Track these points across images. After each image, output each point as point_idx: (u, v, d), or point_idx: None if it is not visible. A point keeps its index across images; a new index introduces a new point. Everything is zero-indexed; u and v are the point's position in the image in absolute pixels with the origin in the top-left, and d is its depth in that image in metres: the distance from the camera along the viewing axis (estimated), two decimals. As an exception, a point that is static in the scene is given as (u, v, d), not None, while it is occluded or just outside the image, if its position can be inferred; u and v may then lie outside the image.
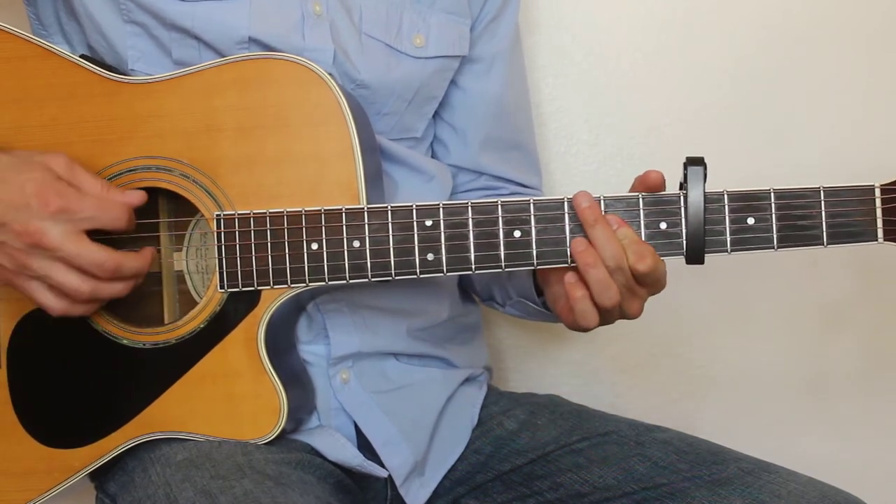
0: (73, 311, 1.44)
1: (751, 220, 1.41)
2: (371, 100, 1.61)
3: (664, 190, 1.44)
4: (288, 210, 1.46)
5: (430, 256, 1.46)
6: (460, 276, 1.79)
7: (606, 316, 1.46)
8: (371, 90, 1.61)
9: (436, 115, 1.76)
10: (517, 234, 1.44)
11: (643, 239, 1.43)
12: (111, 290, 1.43)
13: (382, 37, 1.63)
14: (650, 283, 1.44)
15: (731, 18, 2.10)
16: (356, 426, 1.60)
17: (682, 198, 1.42)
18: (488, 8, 1.74)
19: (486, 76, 1.76)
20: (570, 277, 1.45)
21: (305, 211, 1.46)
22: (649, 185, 1.44)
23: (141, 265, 1.45)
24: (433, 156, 1.78)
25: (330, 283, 1.47)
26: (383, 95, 1.63)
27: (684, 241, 1.43)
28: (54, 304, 1.43)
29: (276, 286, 1.47)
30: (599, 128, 2.12)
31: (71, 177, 1.41)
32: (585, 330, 1.48)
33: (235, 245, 1.47)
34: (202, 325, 1.49)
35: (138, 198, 1.44)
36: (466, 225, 1.45)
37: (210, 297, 1.49)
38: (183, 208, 1.53)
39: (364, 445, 1.60)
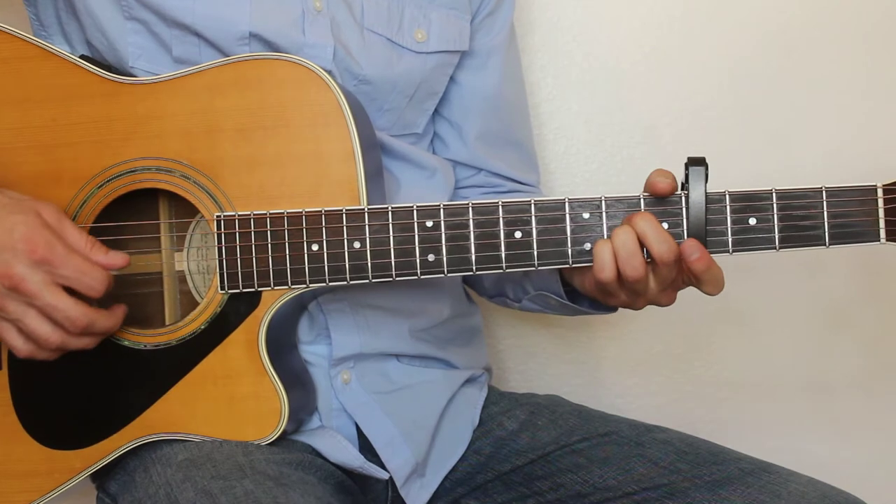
0: (38, 355, 1.44)
1: (752, 221, 1.41)
2: (373, 96, 1.61)
3: (673, 193, 1.44)
4: (288, 211, 1.46)
5: (430, 257, 1.46)
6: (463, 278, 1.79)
7: (634, 297, 1.46)
8: (373, 86, 1.61)
9: (434, 110, 1.76)
10: (518, 234, 1.44)
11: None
12: (79, 343, 1.44)
13: (384, 31, 1.63)
14: (706, 280, 1.43)
15: (731, 18, 2.10)
16: (357, 427, 1.61)
17: (683, 198, 1.42)
18: (486, 2, 1.75)
19: (482, 71, 1.77)
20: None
21: (306, 212, 1.46)
22: (654, 192, 1.43)
23: (112, 325, 1.46)
24: (433, 152, 1.78)
25: (330, 283, 1.46)
26: (385, 91, 1.63)
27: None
28: (21, 346, 1.43)
29: (276, 287, 1.47)
30: (599, 128, 2.12)
31: (59, 228, 1.42)
32: (610, 296, 1.47)
33: (236, 246, 1.47)
34: (203, 327, 1.49)
35: (121, 260, 1.44)
36: (467, 226, 1.45)
37: (211, 299, 1.49)
38: (184, 209, 1.53)
39: (365, 446, 1.60)
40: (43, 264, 1.39)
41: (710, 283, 1.43)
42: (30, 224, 1.39)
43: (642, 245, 1.42)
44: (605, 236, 1.43)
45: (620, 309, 1.55)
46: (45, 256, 1.39)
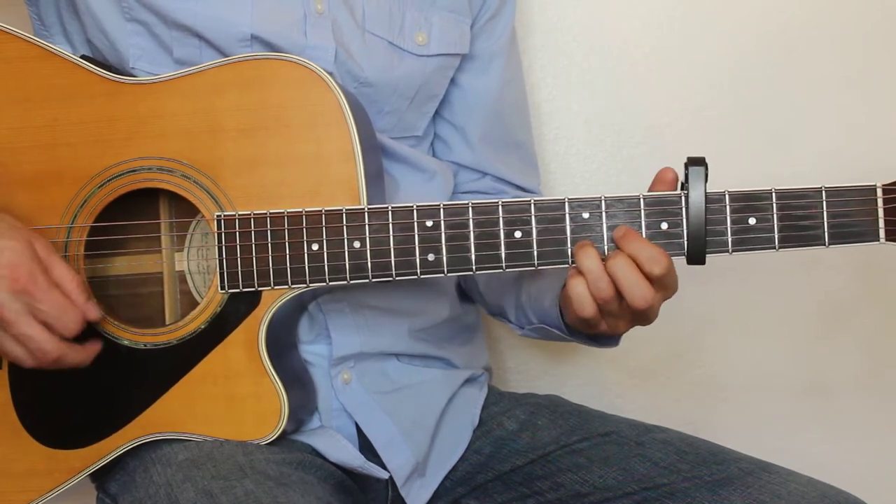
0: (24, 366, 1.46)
1: (752, 221, 1.41)
2: (373, 98, 1.61)
3: (677, 185, 1.44)
4: (288, 211, 1.46)
5: (430, 257, 1.46)
6: (462, 280, 1.79)
7: (612, 319, 1.46)
8: (374, 88, 1.61)
9: (435, 113, 1.76)
10: (518, 234, 1.44)
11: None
12: (51, 367, 1.45)
13: (385, 34, 1.63)
14: (664, 286, 1.44)
15: (731, 18, 2.10)
16: (357, 427, 1.61)
17: (683, 198, 1.42)
18: (487, 6, 1.75)
19: (485, 74, 1.77)
20: (572, 271, 1.45)
21: (306, 211, 1.46)
22: (665, 183, 1.44)
23: (82, 360, 1.47)
24: (434, 154, 1.78)
25: (330, 283, 1.47)
26: (386, 94, 1.63)
27: (685, 242, 1.42)
28: (5, 355, 1.46)
29: (276, 287, 1.47)
30: (599, 128, 2.12)
31: (48, 261, 1.42)
32: (594, 328, 1.47)
33: (236, 246, 1.47)
34: (203, 326, 1.49)
35: (94, 314, 1.45)
36: (467, 225, 1.45)
37: (211, 298, 1.49)
38: (184, 208, 1.53)
39: (365, 446, 1.61)
40: (23, 294, 1.40)
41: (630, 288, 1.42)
42: (18, 252, 1.40)
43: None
44: (605, 236, 1.43)
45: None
46: (27, 287, 1.40)
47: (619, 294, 1.42)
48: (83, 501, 1.65)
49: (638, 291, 1.41)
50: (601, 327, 1.48)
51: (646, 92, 2.10)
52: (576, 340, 1.61)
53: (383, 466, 1.61)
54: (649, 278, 1.41)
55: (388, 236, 1.45)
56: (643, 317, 1.45)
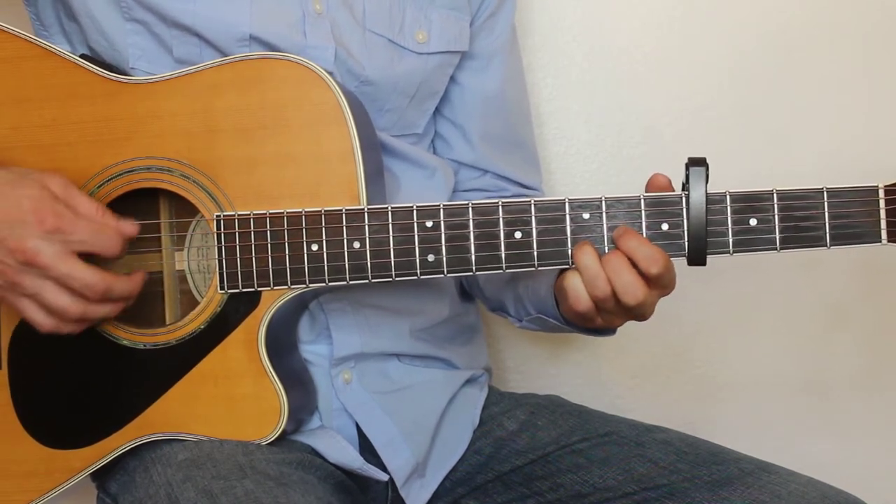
0: (62, 329, 1.44)
1: (753, 221, 1.41)
2: (374, 96, 1.61)
3: (671, 188, 1.44)
4: (288, 211, 1.46)
5: (430, 257, 1.45)
6: (463, 278, 1.79)
7: (608, 315, 1.46)
8: (375, 87, 1.61)
9: (436, 111, 1.76)
10: (518, 234, 1.44)
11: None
12: (100, 311, 1.44)
13: (385, 32, 1.63)
14: (662, 285, 1.44)
15: (731, 18, 2.10)
16: (358, 427, 1.61)
17: (683, 198, 1.42)
18: (487, 4, 1.75)
19: (485, 72, 1.77)
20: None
21: (305, 212, 1.46)
22: (658, 189, 1.44)
23: (131, 289, 1.46)
24: (435, 152, 1.78)
25: (330, 284, 1.46)
26: (386, 92, 1.63)
27: (686, 243, 1.42)
28: (44, 321, 1.43)
29: (276, 287, 1.47)
30: (599, 128, 2.12)
31: (67, 197, 1.42)
32: (590, 322, 1.48)
33: (235, 246, 1.47)
34: (203, 326, 1.49)
35: (132, 228, 1.45)
36: (467, 226, 1.45)
37: (210, 298, 1.49)
38: (184, 208, 1.53)
39: (365, 446, 1.61)
40: (55, 233, 1.39)
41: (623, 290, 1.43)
42: (36, 197, 1.40)
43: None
44: (605, 237, 1.43)
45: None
46: (56, 225, 1.39)
47: (615, 292, 1.42)
48: (83, 501, 1.65)
49: (630, 290, 1.41)
50: (596, 322, 1.48)
51: (646, 92, 2.10)
52: (572, 330, 1.61)
53: (383, 467, 1.61)
54: (646, 277, 1.41)
55: (388, 237, 1.45)
56: (638, 313, 1.45)
